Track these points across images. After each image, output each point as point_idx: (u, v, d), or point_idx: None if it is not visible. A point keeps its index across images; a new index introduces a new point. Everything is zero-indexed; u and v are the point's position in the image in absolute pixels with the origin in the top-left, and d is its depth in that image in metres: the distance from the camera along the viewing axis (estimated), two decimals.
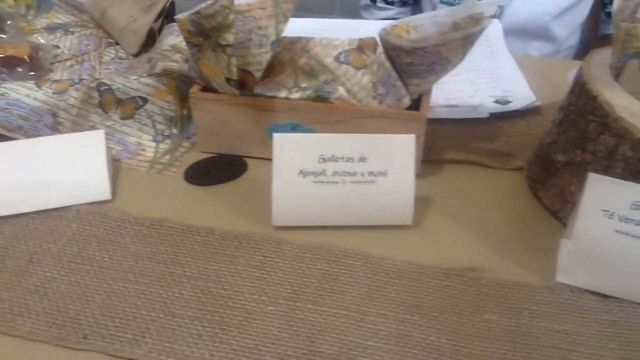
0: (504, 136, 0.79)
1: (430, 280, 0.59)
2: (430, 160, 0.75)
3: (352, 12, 1.58)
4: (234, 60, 0.66)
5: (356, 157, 0.63)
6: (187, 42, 0.68)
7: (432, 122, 0.80)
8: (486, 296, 0.58)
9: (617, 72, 0.59)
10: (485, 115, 0.81)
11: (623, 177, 0.57)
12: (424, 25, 0.67)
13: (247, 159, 0.74)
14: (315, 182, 0.63)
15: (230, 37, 0.63)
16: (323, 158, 0.62)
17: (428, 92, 0.71)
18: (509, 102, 0.84)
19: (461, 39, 0.63)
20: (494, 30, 1.03)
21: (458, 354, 0.53)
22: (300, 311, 0.56)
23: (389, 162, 0.63)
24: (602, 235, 0.56)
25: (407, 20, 0.69)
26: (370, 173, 0.63)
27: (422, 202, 0.69)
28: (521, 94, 0.86)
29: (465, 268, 0.61)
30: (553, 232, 0.63)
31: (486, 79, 0.90)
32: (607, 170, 0.58)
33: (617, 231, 0.56)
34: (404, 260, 0.61)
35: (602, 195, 0.56)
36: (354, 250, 0.62)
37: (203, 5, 0.63)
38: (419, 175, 0.72)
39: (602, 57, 0.62)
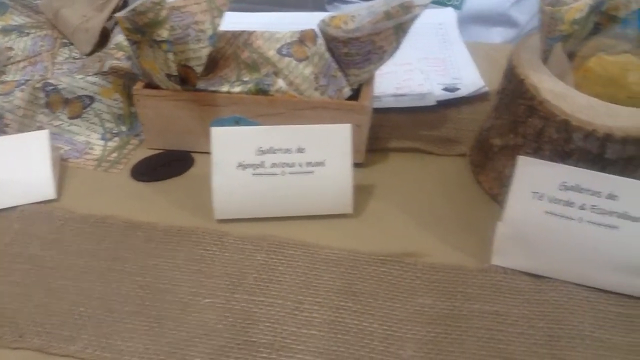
0: (451, 123, 0.80)
1: (367, 267, 0.60)
2: (376, 149, 0.75)
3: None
4: (171, 56, 0.66)
5: (294, 148, 0.63)
6: (128, 40, 0.69)
7: (380, 111, 0.81)
8: (421, 281, 0.59)
9: (546, 56, 0.60)
10: (432, 103, 0.82)
11: (551, 158, 0.57)
12: (360, 15, 0.68)
13: (194, 154, 0.75)
14: (254, 174, 0.63)
15: (164, 33, 0.64)
16: (261, 150, 0.63)
17: (369, 82, 0.71)
18: (457, 89, 0.85)
19: (393, 27, 0.64)
20: (448, 18, 1.04)
21: (389, 338, 0.54)
22: (237, 302, 0.57)
23: (326, 152, 0.63)
24: (532, 217, 0.57)
25: (346, 10, 0.69)
26: (309, 163, 0.63)
27: (365, 191, 0.70)
28: (470, 81, 0.86)
29: (402, 254, 0.61)
30: (492, 215, 0.64)
31: (437, 67, 0.91)
32: (536, 152, 0.59)
33: (546, 212, 0.57)
34: (343, 248, 0.62)
35: (531, 177, 0.57)
36: (294, 240, 0.63)
37: (138, 2, 0.64)
38: (363, 164, 0.73)
39: (534, 41, 0.63)
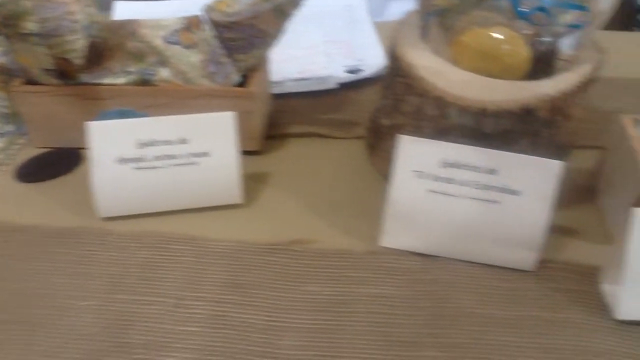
0: (352, 105, 0.79)
1: (255, 257, 0.58)
2: (275, 135, 0.74)
3: None
4: (43, 49, 0.63)
5: (176, 139, 0.61)
6: (1, 34, 0.65)
7: (281, 97, 0.80)
8: (310, 268, 0.57)
9: (424, 32, 0.59)
10: (334, 86, 0.81)
11: (431, 136, 0.56)
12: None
13: (83, 151, 0.71)
14: (136, 168, 0.61)
15: (29, 25, 0.61)
16: (141, 143, 0.61)
17: (260, 67, 0.69)
18: (360, 70, 0.84)
19: (272, 10, 0.62)
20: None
21: (270, 328, 0.52)
22: (116, 303, 0.54)
23: (211, 142, 0.61)
24: (416, 196, 0.56)
25: None
26: (192, 154, 0.61)
27: (259, 179, 0.68)
28: (374, 62, 0.85)
29: (292, 241, 0.60)
30: (385, 197, 0.63)
31: (343, 49, 0.89)
32: (418, 131, 0.58)
33: (429, 190, 0.56)
34: (232, 239, 0.60)
35: (411, 156, 0.56)
36: (181, 235, 0.61)
37: None
38: (260, 152, 0.71)
39: (415, 17, 0.62)
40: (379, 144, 0.66)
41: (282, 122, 0.76)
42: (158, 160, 0.61)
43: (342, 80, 0.81)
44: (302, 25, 0.95)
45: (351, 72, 0.83)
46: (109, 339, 0.51)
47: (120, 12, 0.96)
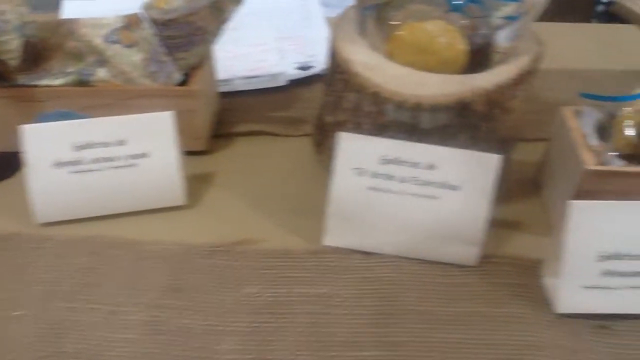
0: (301, 102, 0.78)
1: (197, 259, 0.57)
2: (222, 134, 0.73)
3: None
4: None
5: (114, 141, 0.59)
6: None
7: (230, 95, 0.79)
8: (251, 269, 0.56)
9: (362, 27, 0.58)
10: (283, 83, 0.79)
11: (371, 132, 0.56)
12: None
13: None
14: (72, 172, 0.59)
15: None
16: (78, 146, 0.59)
17: (204, 65, 0.68)
18: (311, 67, 0.82)
19: (209, 6, 0.61)
20: None
21: (209, 333, 0.51)
22: (51, 311, 0.53)
23: (149, 143, 0.60)
24: (356, 194, 0.55)
25: None
26: (131, 156, 0.60)
27: (205, 179, 0.67)
28: (325, 58, 0.84)
29: (234, 242, 0.59)
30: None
31: (295, 46, 0.88)
32: (358, 127, 0.57)
33: (369, 188, 0.55)
34: (173, 242, 0.59)
35: (351, 153, 0.55)
36: (121, 239, 0.59)
37: None
38: (207, 151, 0.70)
39: (353, 12, 0.61)
40: (324, 141, 0.65)
41: (230, 120, 0.74)
42: (95, 163, 0.59)
43: (293, 77, 0.80)
44: (255, 21, 0.95)
45: (302, 68, 0.82)
46: (42, 349, 0.50)
47: (69, 11, 0.94)
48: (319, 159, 0.67)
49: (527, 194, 0.65)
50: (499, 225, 0.61)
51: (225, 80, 0.79)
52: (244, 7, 1.00)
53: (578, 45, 0.90)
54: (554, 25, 0.93)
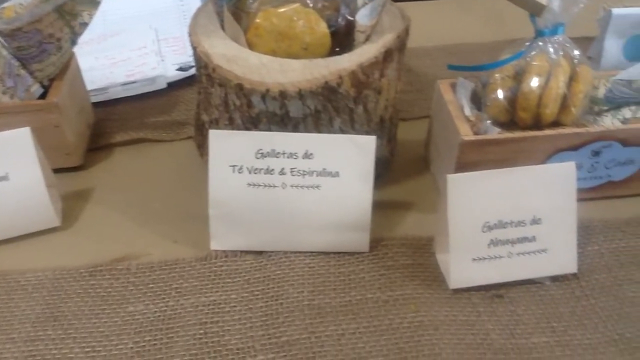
0: (183, 104, 0.74)
1: (75, 283, 0.53)
2: (100, 147, 0.68)
3: None
4: None
5: None
6: None
7: (107, 104, 0.74)
8: (134, 286, 0.53)
9: (221, 18, 0.55)
10: (163, 86, 0.76)
11: (244, 127, 0.54)
12: (29, 1, 0.59)
13: None
14: None
15: None
16: None
17: (63, 76, 0.63)
18: (191, 67, 0.79)
19: (54, 11, 0.56)
20: None
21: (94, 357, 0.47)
22: None
23: (8, 164, 0.55)
24: (237, 192, 0.53)
25: None
26: None
27: (81, 197, 0.62)
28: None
29: (115, 260, 0.55)
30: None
31: (175, 47, 0.84)
32: (232, 123, 0.54)
33: (249, 184, 0.53)
34: (48, 268, 0.54)
35: (226, 150, 0.52)
36: None
37: None
38: (82, 167, 0.65)
39: (211, 4, 0.58)
40: (205, 142, 0.62)
41: (108, 131, 0.70)
42: None
43: (172, 79, 0.77)
44: (134, 25, 0.90)
45: (182, 69, 0.79)
46: None
47: None
48: (203, 161, 0.64)
49: (418, 173, 0.64)
50: (391, 207, 0.60)
51: (102, 89, 0.75)
52: (122, 11, 0.97)
53: (456, 21, 0.90)
54: (430, 4, 0.94)
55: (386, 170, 0.63)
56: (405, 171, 0.64)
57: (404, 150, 0.66)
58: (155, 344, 0.48)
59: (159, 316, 0.50)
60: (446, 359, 0.46)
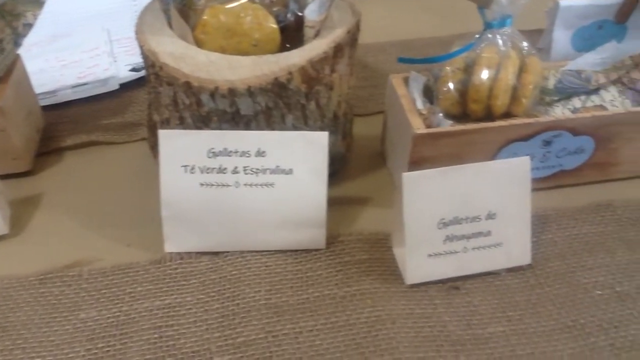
0: (136, 105, 0.73)
1: (23, 292, 0.52)
2: (50, 151, 0.66)
3: None
4: None
5: None
6: None
7: (57, 107, 0.72)
8: (85, 292, 0.52)
9: (168, 17, 0.54)
10: (115, 87, 0.74)
11: (195, 126, 0.53)
12: None
13: None
14: None
15: None
16: None
17: (5, 80, 0.61)
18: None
19: None
20: None
21: None
22: None
23: None
24: (189, 193, 0.52)
25: None
26: None
27: (31, 203, 0.60)
28: None
29: (66, 266, 0.54)
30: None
31: (127, 47, 0.83)
32: (183, 122, 0.53)
33: (201, 184, 0.52)
34: None
35: (177, 150, 0.51)
36: None
37: None
38: (32, 172, 0.64)
39: (158, 3, 0.57)
40: (157, 142, 0.61)
41: (59, 134, 0.68)
42: None
43: (124, 80, 0.75)
44: (86, 26, 0.89)
45: (135, 70, 0.77)
46: None
47: None
48: (157, 163, 0.63)
49: (375, 168, 0.64)
50: (348, 203, 0.60)
51: (52, 92, 0.73)
52: (74, 11, 0.94)
53: (411, 16, 0.91)
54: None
55: (343, 166, 0.63)
56: (362, 167, 0.64)
57: (361, 146, 0.66)
58: (108, 351, 0.47)
59: (112, 322, 0.49)
60: (403, 352, 0.46)
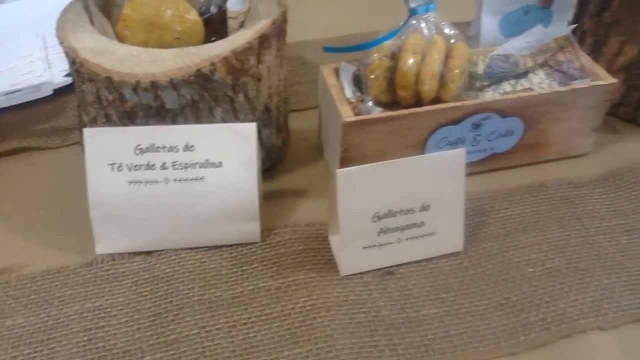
0: (70, 111, 0.72)
1: None
2: None
3: None
4: None
5: None
6: None
7: None
8: (13, 299, 0.50)
9: (89, 13, 0.54)
10: (49, 92, 0.73)
11: (121, 123, 0.52)
12: None
13: None
14: None
15: None
16: None
17: None
18: None
19: None
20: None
21: None
22: None
23: None
24: (118, 191, 0.51)
25: None
26: None
27: None
28: None
29: None
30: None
31: (62, 53, 0.81)
32: (109, 120, 0.52)
33: (130, 182, 0.51)
34: None
35: (102, 148, 0.50)
36: None
37: None
38: None
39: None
40: None
41: None
42: None
43: (58, 85, 0.74)
44: (20, 33, 0.87)
45: (69, 75, 0.76)
46: None
47: None
48: None
49: (312, 160, 0.64)
50: (285, 196, 0.60)
51: None
52: (7, 19, 0.92)
53: (350, 13, 0.91)
54: None
55: (280, 160, 0.63)
56: (300, 160, 0.64)
57: (299, 140, 0.66)
58: (35, 357, 0.46)
59: (40, 327, 0.48)
60: (337, 339, 0.46)
